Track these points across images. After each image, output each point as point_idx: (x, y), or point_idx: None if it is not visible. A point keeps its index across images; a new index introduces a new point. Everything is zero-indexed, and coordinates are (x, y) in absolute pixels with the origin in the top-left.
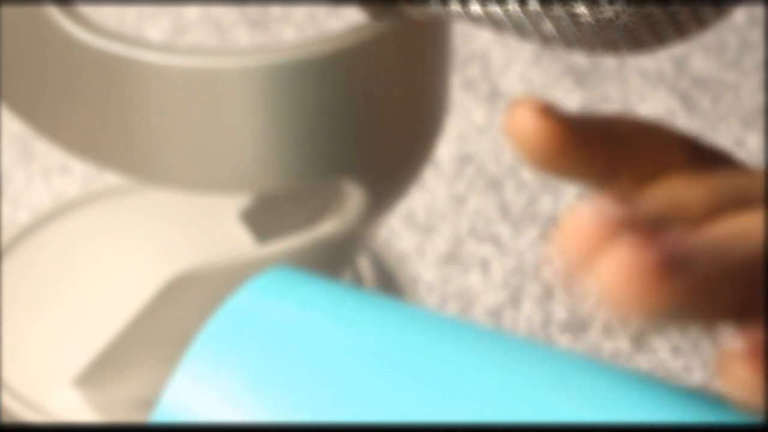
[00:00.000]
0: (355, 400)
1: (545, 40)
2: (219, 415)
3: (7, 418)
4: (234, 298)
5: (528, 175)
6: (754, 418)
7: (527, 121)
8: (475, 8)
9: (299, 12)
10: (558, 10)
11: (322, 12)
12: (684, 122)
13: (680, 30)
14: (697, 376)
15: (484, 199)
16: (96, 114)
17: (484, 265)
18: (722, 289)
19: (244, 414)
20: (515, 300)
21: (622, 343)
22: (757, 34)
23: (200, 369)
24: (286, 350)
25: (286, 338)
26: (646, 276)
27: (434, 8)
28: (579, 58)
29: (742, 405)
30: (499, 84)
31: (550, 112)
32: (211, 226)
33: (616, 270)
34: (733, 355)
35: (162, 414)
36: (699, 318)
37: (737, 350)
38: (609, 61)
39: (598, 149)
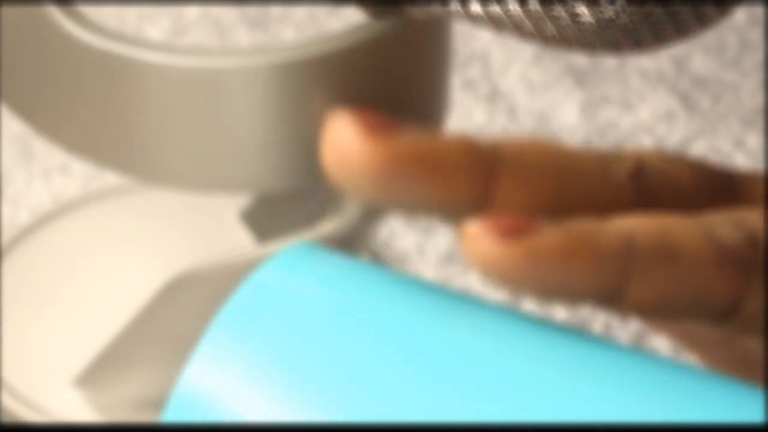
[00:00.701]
0: (383, 390)
1: (545, 40)
2: (239, 398)
3: (7, 418)
4: (249, 281)
5: None
6: (756, 416)
7: None
8: (475, 8)
9: (299, 12)
10: (558, 10)
11: (322, 12)
12: (684, 122)
13: (681, 30)
14: None
15: None
16: (96, 114)
17: None
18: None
19: (265, 399)
20: (515, 300)
21: (622, 343)
22: (757, 34)
23: (215, 355)
24: (310, 332)
25: (306, 324)
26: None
27: (434, 8)
28: (579, 58)
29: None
30: (499, 84)
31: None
32: (211, 226)
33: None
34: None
35: (179, 399)
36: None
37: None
38: (609, 61)
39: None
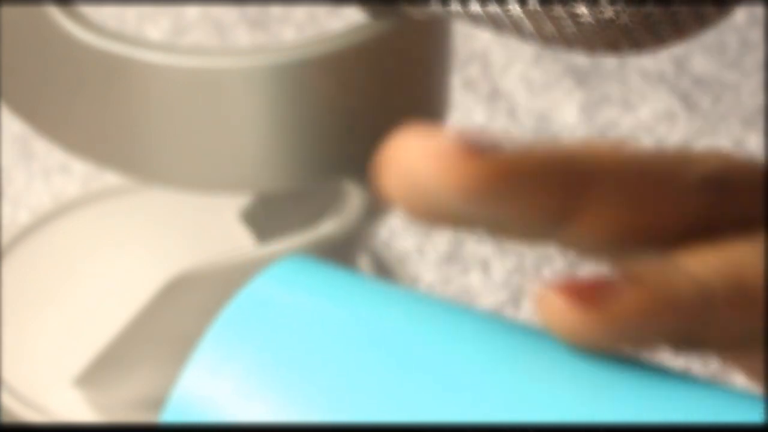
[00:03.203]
0: (376, 393)
1: (545, 40)
2: (235, 401)
3: (7, 418)
4: (248, 287)
5: None
6: (756, 416)
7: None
8: (475, 8)
9: (299, 12)
10: (558, 10)
11: (322, 12)
12: (684, 122)
13: (680, 30)
14: None
15: None
16: (96, 114)
17: (484, 265)
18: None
19: (260, 404)
20: (515, 300)
21: None
22: (757, 34)
23: (214, 358)
24: (304, 342)
25: (303, 330)
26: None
27: (434, 8)
28: (579, 58)
29: (558, 335)
30: (499, 84)
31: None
32: (211, 226)
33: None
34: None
35: (175, 404)
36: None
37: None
38: (609, 61)
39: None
